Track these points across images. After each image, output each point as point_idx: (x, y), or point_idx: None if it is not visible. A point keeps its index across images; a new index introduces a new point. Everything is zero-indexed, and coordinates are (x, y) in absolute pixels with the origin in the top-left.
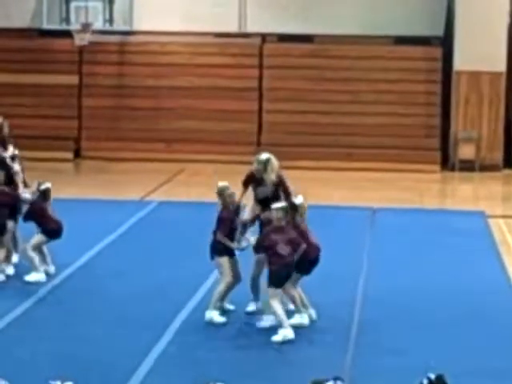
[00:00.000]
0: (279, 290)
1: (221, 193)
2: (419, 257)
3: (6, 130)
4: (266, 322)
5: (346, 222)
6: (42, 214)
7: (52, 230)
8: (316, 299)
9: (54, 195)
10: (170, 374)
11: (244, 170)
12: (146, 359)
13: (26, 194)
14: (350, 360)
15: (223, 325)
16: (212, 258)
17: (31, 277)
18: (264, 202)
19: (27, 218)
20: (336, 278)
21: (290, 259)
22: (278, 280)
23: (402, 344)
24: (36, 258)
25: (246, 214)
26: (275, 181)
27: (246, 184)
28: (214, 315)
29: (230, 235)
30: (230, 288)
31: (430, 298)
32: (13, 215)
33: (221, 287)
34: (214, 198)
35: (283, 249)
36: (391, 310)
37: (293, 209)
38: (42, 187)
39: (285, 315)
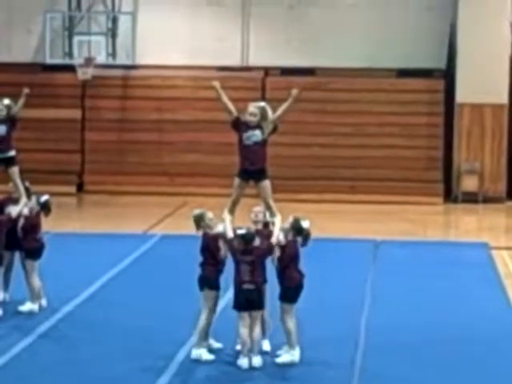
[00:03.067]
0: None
1: (201, 219)
2: (422, 289)
3: None
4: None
5: (349, 254)
6: (32, 230)
7: (34, 250)
8: (318, 332)
9: (56, 229)
10: None
11: (247, 203)
12: None
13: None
14: None
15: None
16: (201, 290)
17: (25, 307)
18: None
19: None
20: (338, 311)
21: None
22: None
23: (405, 377)
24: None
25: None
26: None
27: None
28: (202, 352)
29: (216, 266)
30: (210, 321)
31: (432, 330)
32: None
33: (203, 322)
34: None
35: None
36: (394, 344)
37: (298, 231)
38: (43, 199)
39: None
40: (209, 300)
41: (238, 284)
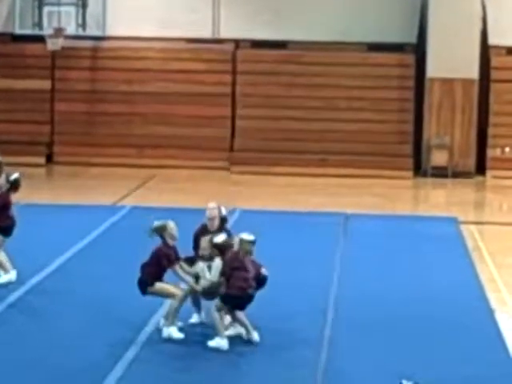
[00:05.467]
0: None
1: (163, 229)
2: (391, 263)
3: None
4: (193, 318)
5: (319, 227)
6: (4, 208)
7: (7, 227)
8: (288, 306)
9: (26, 200)
10: (141, 380)
11: (216, 176)
12: (117, 365)
13: None
14: (324, 367)
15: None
16: (144, 293)
17: (2, 279)
18: None
19: None
20: (308, 284)
21: (252, 288)
22: (237, 304)
23: (374, 351)
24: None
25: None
26: None
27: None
28: (172, 331)
29: (159, 274)
30: (183, 301)
31: (401, 304)
32: None
33: (174, 302)
34: (186, 203)
35: (250, 274)
36: (363, 317)
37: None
38: (12, 177)
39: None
40: (170, 287)
41: (242, 287)
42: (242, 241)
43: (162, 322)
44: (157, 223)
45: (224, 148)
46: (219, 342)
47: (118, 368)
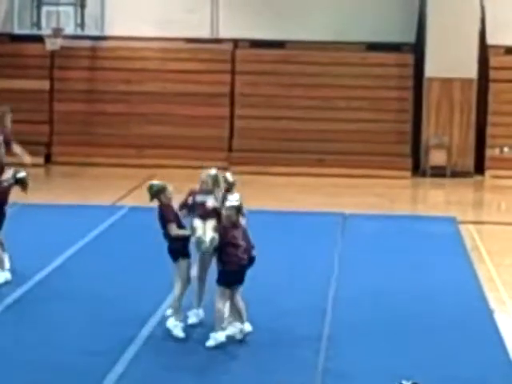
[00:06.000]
0: (228, 291)
1: (161, 191)
2: (390, 262)
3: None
4: (192, 318)
5: (318, 227)
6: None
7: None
8: (287, 304)
9: (24, 200)
10: (142, 379)
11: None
12: (116, 364)
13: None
14: (322, 366)
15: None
16: (176, 259)
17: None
18: None
19: None
20: (307, 283)
21: (245, 260)
22: (234, 279)
23: (373, 351)
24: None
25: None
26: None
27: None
28: (176, 326)
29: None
30: (185, 291)
31: (400, 304)
32: None
33: (178, 292)
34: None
35: (242, 247)
36: (362, 317)
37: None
38: (19, 175)
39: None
40: (184, 270)
41: (236, 261)
42: (226, 209)
43: (170, 311)
44: (156, 183)
45: (223, 148)
46: (216, 337)
47: (118, 367)
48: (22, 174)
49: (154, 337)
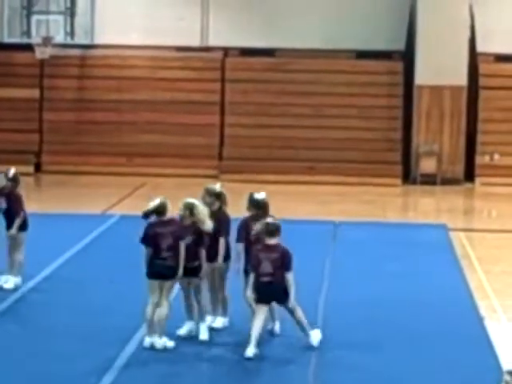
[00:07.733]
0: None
1: (192, 209)
2: (381, 270)
3: None
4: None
5: (309, 235)
6: (21, 201)
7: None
8: (278, 310)
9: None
10: None
11: (206, 184)
12: (106, 375)
13: None
14: (312, 374)
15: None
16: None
17: (9, 283)
18: None
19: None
20: (298, 291)
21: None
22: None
23: (362, 358)
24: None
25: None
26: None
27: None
28: (165, 340)
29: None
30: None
31: (390, 311)
32: None
33: (165, 311)
34: (175, 212)
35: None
36: (353, 324)
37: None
38: (11, 174)
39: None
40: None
41: (257, 277)
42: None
43: (152, 338)
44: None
45: (213, 156)
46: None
47: (108, 375)
48: (12, 172)
49: (145, 345)
